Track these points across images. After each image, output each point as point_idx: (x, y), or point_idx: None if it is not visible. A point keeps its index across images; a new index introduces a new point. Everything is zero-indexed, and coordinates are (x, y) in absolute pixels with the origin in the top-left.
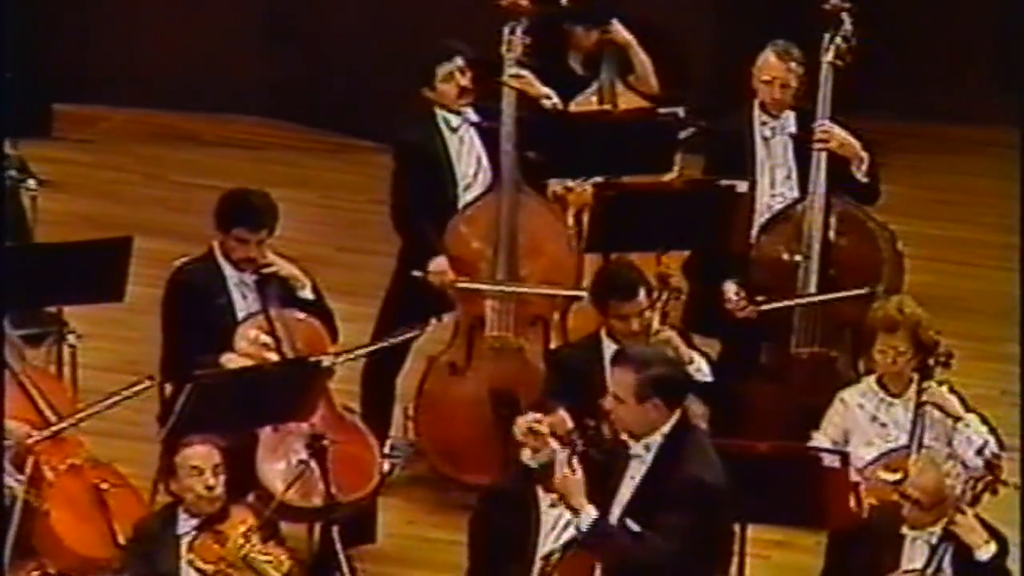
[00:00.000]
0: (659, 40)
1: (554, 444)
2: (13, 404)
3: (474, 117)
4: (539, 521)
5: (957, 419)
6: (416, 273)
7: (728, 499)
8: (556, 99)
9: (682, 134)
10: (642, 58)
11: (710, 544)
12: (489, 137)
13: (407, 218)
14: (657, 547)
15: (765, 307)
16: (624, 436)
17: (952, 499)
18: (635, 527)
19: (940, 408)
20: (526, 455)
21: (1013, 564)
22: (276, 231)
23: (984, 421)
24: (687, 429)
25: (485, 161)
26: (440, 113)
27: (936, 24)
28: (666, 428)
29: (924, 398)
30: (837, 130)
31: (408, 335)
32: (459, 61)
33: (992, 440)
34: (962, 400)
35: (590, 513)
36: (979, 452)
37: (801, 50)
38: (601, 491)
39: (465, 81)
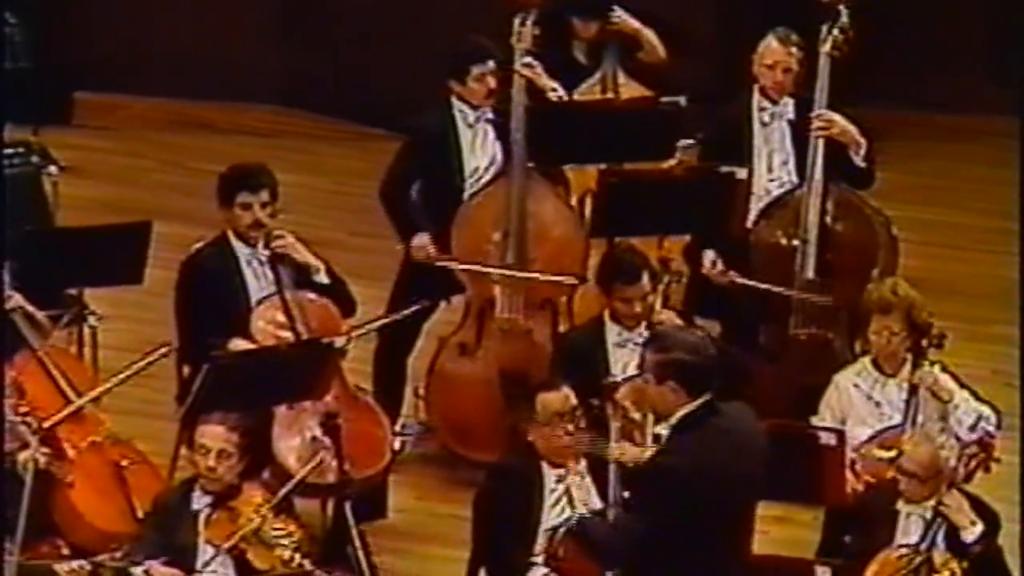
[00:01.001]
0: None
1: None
2: (34, 383)
3: (491, 115)
4: (543, 497)
5: (949, 400)
6: (399, 247)
7: (696, 489)
8: (561, 91)
9: (683, 143)
10: (647, 35)
11: (683, 531)
12: (503, 132)
13: (395, 193)
14: (625, 526)
15: (739, 280)
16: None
17: (947, 472)
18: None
19: (933, 393)
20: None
21: (1012, 558)
22: (290, 215)
23: (977, 398)
24: (705, 418)
25: (499, 157)
26: (458, 105)
27: (932, 15)
28: (680, 413)
29: (916, 382)
30: (836, 117)
31: (416, 308)
32: (491, 64)
33: (986, 411)
34: (955, 378)
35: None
36: (972, 428)
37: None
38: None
39: (494, 84)
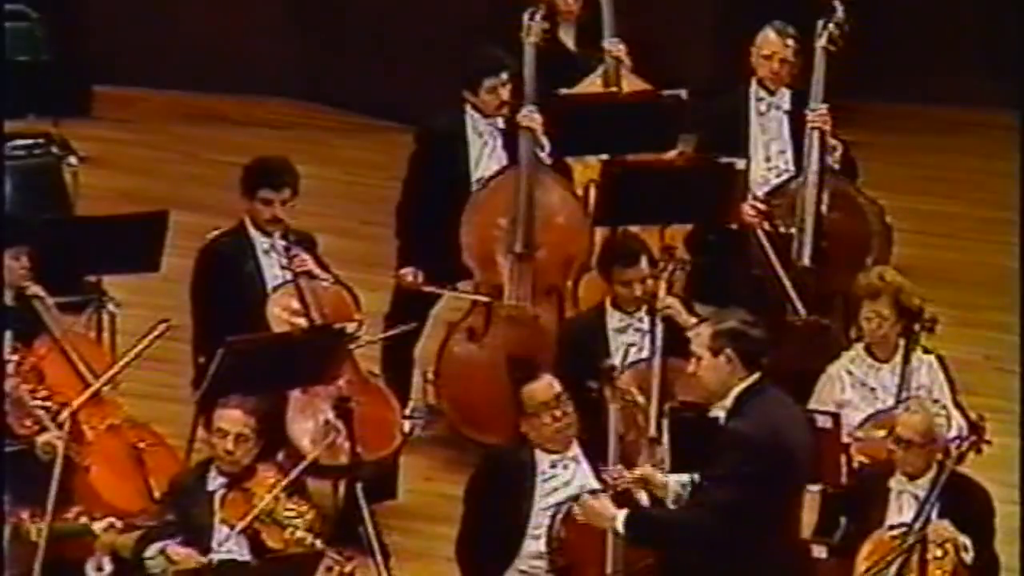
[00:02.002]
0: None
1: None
2: (54, 368)
3: (502, 124)
4: (534, 483)
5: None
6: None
7: (773, 456)
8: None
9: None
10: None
11: (761, 503)
12: (510, 141)
13: (404, 223)
14: (692, 517)
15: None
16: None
17: (941, 442)
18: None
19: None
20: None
21: (1009, 538)
22: (303, 205)
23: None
24: (763, 392)
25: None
26: (470, 113)
27: (930, 11)
28: (738, 389)
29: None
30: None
31: (406, 328)
32: (504, 76)
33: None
34: (945, 370)
35: (620, 515)
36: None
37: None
38: (691, 459)
39: (506, 95)
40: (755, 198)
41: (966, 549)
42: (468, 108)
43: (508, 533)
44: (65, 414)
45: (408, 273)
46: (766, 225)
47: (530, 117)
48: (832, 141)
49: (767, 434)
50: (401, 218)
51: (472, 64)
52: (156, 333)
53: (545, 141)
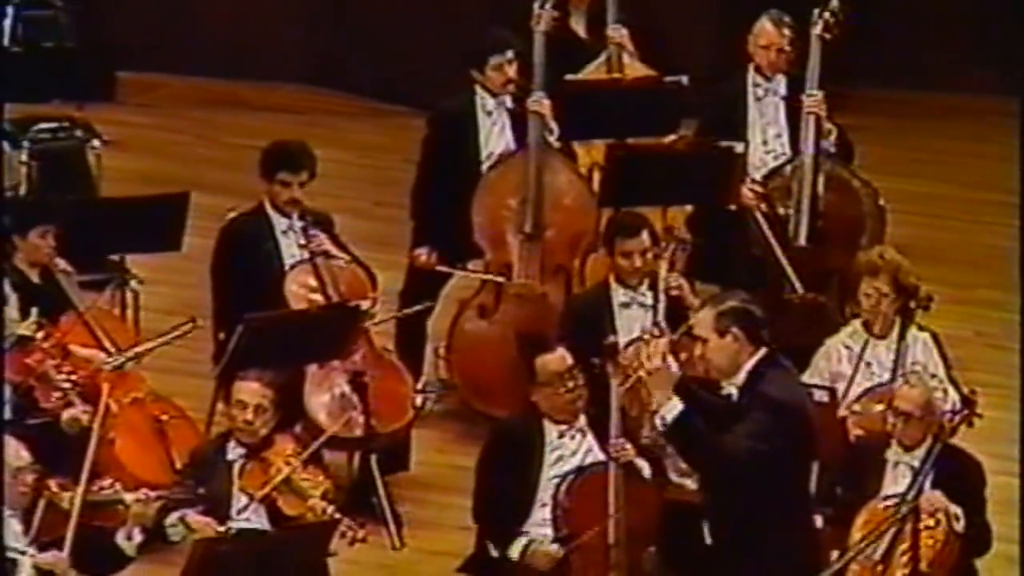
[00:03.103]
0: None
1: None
2: (79, 341)
3: (509, 104)
4: (543, 453)
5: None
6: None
7: (799, 422)
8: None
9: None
10: None
11: (800, 472)
12: (518, 121)
13: (419, 204)
14: (738, 444)
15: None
16: (716, 376)
17: (938, 414)
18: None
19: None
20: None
21: (1002, 507)
22: (319, 186)
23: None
24: (772, 366)
25: (511, 145)
26: (480, 92)
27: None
28: (749, 365)
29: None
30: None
31: (419, 308)
32: (509, 54)
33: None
34: (940, 347)
35: (677, 405)
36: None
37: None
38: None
39: (512, 73)
40: (753, 181)
41: (957, 518)
42: (477, 88)
43: (518, 502)
44: (78, 379)
45: (422, 253)
46: (764, 207)
47: (539, 103)
48: (828, 125)
49: (792, 399)
50: (416, 200)
51: (478, 43)
52: (182, 331)
53: (554, 125)
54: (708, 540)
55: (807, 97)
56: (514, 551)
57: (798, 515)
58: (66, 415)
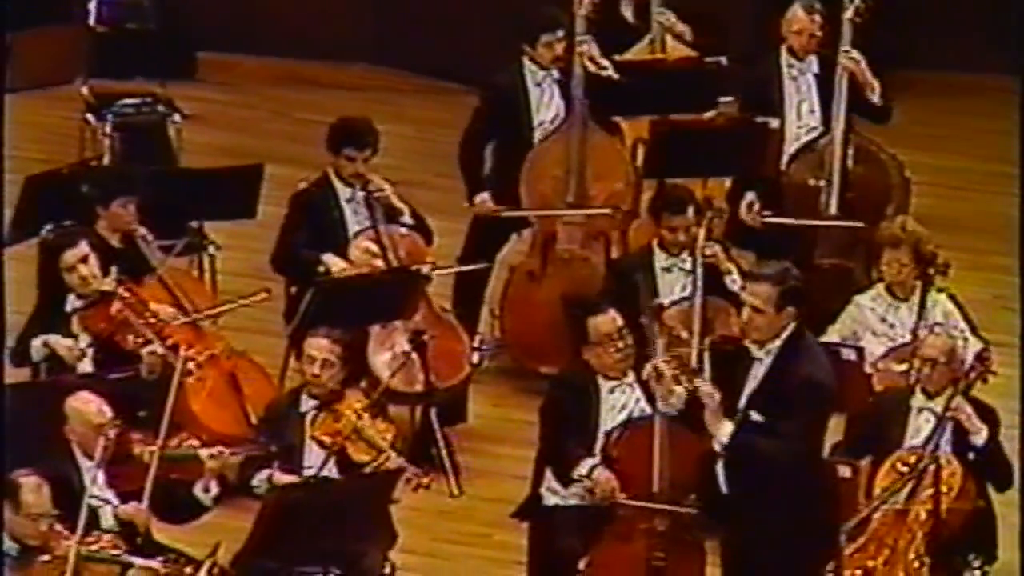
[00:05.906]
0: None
1: (680, 388)
2: (158, 302)
3: (557, 75)
4: (599, 404)
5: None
6: (466, 204)
7: (832, 393)
8: (610, 69)
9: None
10: None
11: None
12: (566, 91)
13: (469, 151)
14: (782, 447)
15: (768, 219)
16: (747, 343)
17: (961, 363)
18: (758, 417)
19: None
20: (660, 403)
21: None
22: (381, 159)
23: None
24: (801, 335)
25: (562, 113)
26: (528, 65)
27: None
28: (785, 334)
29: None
30: (859, 57)
31: (479, 267)
32: (559, 33)
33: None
34: (959, 308)
35: (727, 429)
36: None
37: (823, 5)
38: (729, 390)
39: (560, 51)
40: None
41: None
42: (526, 61)
43: (580, 446)
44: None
45: (484, 199)
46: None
47: (589, 44)
48: (870, 80)
49: (828, 375)
50: (463, 158)
51: (531, 20)
52: (258, 299)
53: (600, 59)
54: (723, 489)
55: (842, 55)
56: (583, 468)
57: (812, 463)
58: (146, 352)
